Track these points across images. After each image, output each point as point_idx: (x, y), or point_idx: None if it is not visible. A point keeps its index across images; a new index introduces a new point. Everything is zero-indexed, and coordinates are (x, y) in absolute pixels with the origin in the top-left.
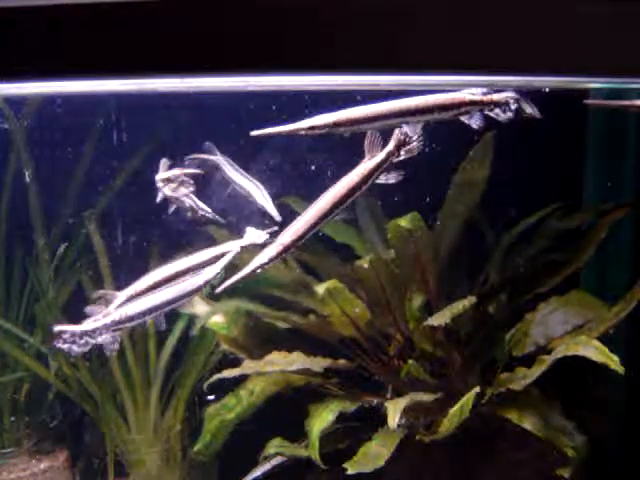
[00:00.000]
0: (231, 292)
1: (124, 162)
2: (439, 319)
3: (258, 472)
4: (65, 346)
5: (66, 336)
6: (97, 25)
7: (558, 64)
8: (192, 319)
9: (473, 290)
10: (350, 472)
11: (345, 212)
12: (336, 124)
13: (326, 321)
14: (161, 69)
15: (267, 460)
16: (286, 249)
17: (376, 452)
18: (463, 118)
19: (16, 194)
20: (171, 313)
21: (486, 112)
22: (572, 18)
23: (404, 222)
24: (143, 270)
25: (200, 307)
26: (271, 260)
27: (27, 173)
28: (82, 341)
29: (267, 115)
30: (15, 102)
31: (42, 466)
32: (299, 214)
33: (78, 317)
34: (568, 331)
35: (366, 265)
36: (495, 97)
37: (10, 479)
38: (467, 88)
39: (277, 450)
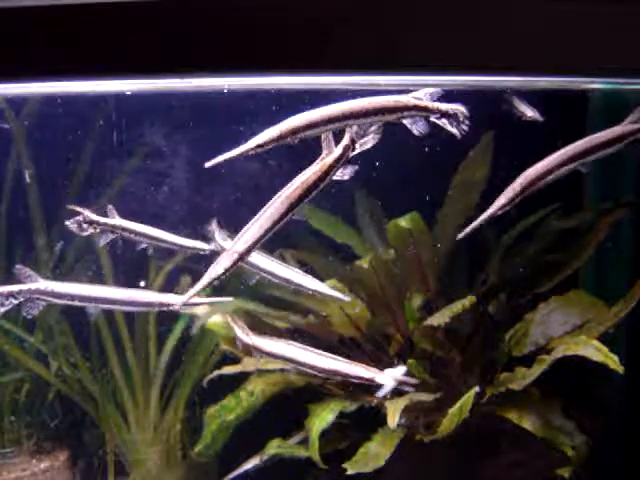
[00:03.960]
0: (231, 293)
1: (123, 161)
2: (439, 319)
3: (244, 468)
4: None
5: None
6: (98, 25)
7: (558, 64)
8: (192, 319)
9: (473, 290)
10: (350, 472)
11: (301, 212)
12: (281, 136)
13: (326, 321)
14: (161, 69)
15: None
16: (241, 257)
17: (376, 452)
18: (406, 122)
19: (17, 194)
20: (171, 313)
21: (433, 119)
22: (572, 18)
23: (404, 222)
24: (143, 269)
25: (200, 307)
26: (227, 270)
27: (27, 173)
28: (7, 302)
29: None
30: (15, 102)
31: (42, 466)
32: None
33: (78, 315)
34: (568, 331)
35: (366, 265)
36: (442, 106)
37: (10, 478)
38: (465, 89)
39: (277, 450)
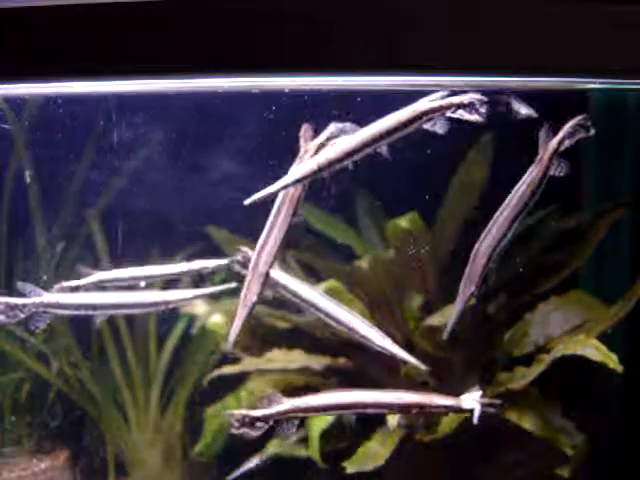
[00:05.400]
0: (231, 292)
1: (124, 162)
2: (438, 319)
3: (244, 468)
4: None
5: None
6: (98, 26)
7: (558, 64)
8: (192, 319)
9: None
10: (349, 471)
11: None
12: (319, 169)
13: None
14: (161, 69)
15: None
16: (267, 276)
17: (375, 451)
18: (427, 126)
19: (17, 194)
20: (171, 313)
21: (449, 115)
22: (572, 18)
23: (404, 222)
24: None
25: (200, 307)
26: (259, 295)
27: (27, 173)
28: (12, 313)
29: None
30: (15, 102)
31: (43, 465)
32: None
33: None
34: (567, 331)
35: (366, 265)
36: (455, 99)
37: (11, 478)
38: (462, 89)
39: (277, 450)
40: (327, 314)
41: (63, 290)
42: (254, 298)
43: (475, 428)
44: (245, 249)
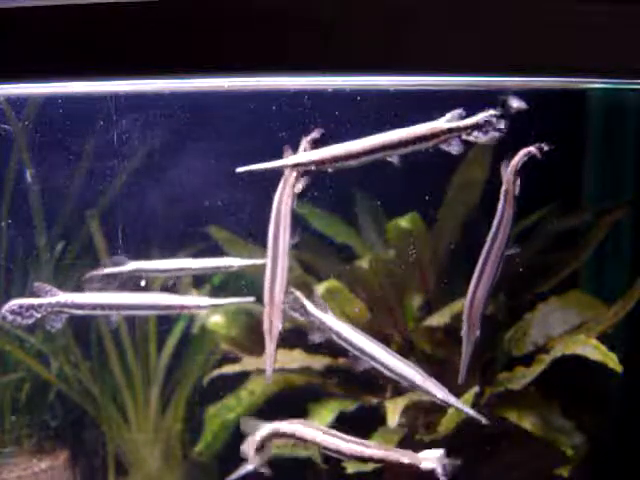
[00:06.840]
0: (231, 291)
1: (124, 162)
2: (438, 319)
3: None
4: (12, 317)
5: (14, 307)
6: (97, 26)
7: (558, 64)
8: (192, 319)
9: None
10: (349, 471)
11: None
12: (322, 161)
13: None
14: (161, 69)
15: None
16: (283, 304)
17: None
18: (442, 146)
19: (17, 194)
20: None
21: (465, 137)
22: (572, 18)
23: (404, 222)
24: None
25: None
26: (283, 322)
27: (28, 173)
28: (27, 313)
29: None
30: (15, 102)
31: (43, 465)
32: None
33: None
34: (567, 331)
35: (366, 265)
36: (472, 120)
37: (11, 478)
38: (464, 89)
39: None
40: (381, 363)
41: (94, 280)
42: (280, 327)
43: (475, 428)
44: (292, 291)
